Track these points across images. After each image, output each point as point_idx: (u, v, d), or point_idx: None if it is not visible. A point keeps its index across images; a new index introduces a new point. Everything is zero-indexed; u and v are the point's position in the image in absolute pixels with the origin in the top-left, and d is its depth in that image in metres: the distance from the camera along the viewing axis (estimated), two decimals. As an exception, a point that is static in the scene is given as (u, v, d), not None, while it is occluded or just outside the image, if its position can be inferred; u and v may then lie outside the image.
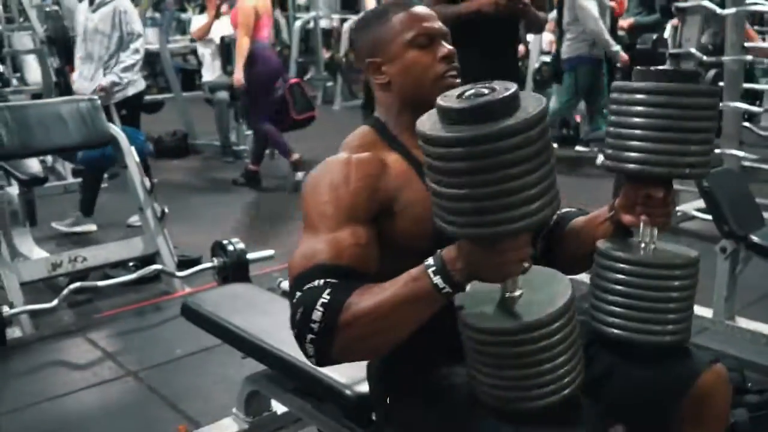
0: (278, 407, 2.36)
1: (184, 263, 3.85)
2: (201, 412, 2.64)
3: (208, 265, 3.70)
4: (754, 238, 2.70)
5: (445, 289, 1.23)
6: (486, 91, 1.18)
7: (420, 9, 1.51)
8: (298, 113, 5.71)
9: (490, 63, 2.92)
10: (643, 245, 1.49)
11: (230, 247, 3.65)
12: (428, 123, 1.22)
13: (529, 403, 1.28)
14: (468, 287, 1.29)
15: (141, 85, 5.03)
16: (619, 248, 1.50)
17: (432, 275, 1.23)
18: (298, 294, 1.29)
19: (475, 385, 1.34)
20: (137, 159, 3.86)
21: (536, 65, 7.71)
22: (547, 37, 7.68)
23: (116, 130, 3.86)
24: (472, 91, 1.20)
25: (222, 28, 6.71)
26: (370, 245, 1.36)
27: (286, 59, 10.33)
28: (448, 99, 1.20)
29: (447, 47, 1.48)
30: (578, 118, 7.13)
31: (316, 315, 1.25)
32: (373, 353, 1.40)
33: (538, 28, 3.57)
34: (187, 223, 4.72)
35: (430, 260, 1.25)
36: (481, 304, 1.32)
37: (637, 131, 1.40)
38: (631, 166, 1.42)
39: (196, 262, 3.92)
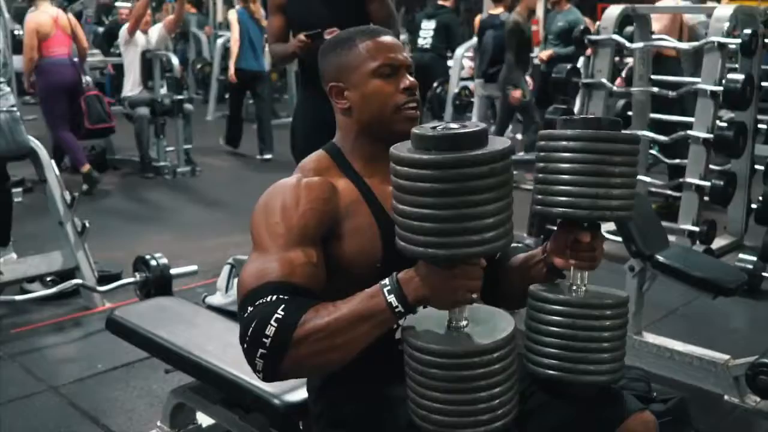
0: (204, 420, 2.37)
1: (104, 278, 3.81)
2: (124, 427, 2.63)
3: (131, 279, 3.67)
4: (660, 258, 2.86)
5: (398, 309, 1.29)
6: (457, 126, 1.29)
7: (386, 38, 1.54)
8: (92, 123, 5.97)
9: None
10: (574, 287, 1.54)
11: (153, 262, 3.63)
12: (402, 148, 1.31)
13: (463, 430, 1.32)
14: (416, 314, 1.37)
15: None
16: (550, 290, 1.54)
17: (387, 294, 1.30)
18: (250, 309, 1.32)
19: (412, 408, 1.36)
20: (57, 172, 3.80)
21: (456, 90, 7.92)
22: (467, 63, 7.92)
23: (36, 142, 3.79)
24: (443, 125, 1.29)
25: (143, 43, 6.66)
26: (320, 266, 1.40)
27: (207, 76, 10.29)
28: (423, 129, 1.29)
29: (409, 79, 1.51)
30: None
31: (269, 330, 1.27)
32: (321, 370, 1.40)
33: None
34: (107, 238, 4.65)
35: (386, 280, 1.31)
36: (428, 330, 1.37)
37: (561, 176, 1.44)
38: (556, 209, 1.45)
39: (117, 277, 3.88)
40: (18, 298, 3.50)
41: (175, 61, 6.80)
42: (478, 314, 1.41)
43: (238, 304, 1.38)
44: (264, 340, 1.28)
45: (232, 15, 7.59)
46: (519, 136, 8.51)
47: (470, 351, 1.31)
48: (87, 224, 3.77)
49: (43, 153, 3.78)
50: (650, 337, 3.09)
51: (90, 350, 3.24)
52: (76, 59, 6.10)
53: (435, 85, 8.63)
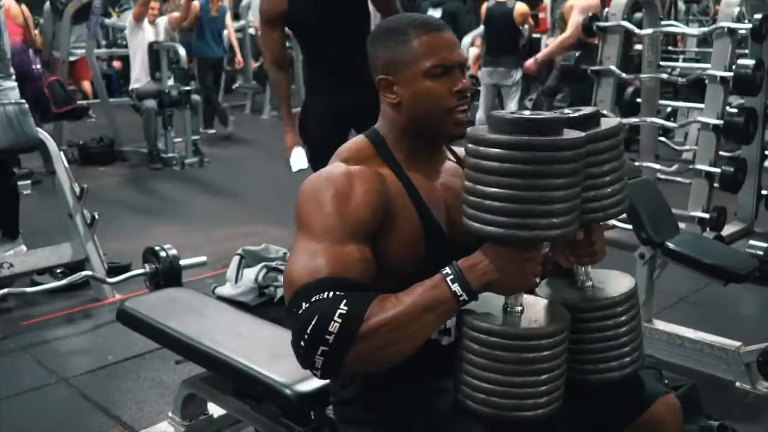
0: (215, 410, 2.38)
1: (113, 270, 3.82)
2: (135, 417, 2.64)
3: (140, 271, 3.67)
4: (670, 245, 2.85)
5: (462, 297, 1.29)
6: (532, 113, 1.32)
7: (441, 34, 1.46)
8: (58, 107, 5.97)
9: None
10: (579, 284, 1.52)
11: (162, 253, 3.63)
12: (483, 131, 1.31)
13: (522, 412, 1.34)
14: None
15: None
16: (559, 290, 1.53)
17: (450, 283, 1.29)
18: (305, 305, 1.27)
19: (468, 392, 1.36)
20: (66, 164, 3.81)
21: (463, 79, 7.88)
22: (473, 51, 7.89)
23: (44, 134, 3.80)
24: (525, 112, 1.35)
25: (150, 34, 6.66)
26: (372, 261, 1.36)
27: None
28: (503, 113, 1.32)
29: (462, 81, 1.46)
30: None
31: (333, 327, 1.24)
32: (383, 364, 1.33)
33: None
34: (116, 230, 4.66)
35: (447, 269, 1.30)
36: (488, 313, 1.38)
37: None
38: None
39: (126, 268, 3.89)
40: (28, 290, 3.52)
41: (182, 52, 6.79)
42: (529, 300, 1.42)
43: (287, 298, 1.33)
44: (327, 337, 1.24)
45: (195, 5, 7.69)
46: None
47: (536, 333, 1.33)
48: (96, 216, 3.78)
49: (51, 145, 3.79)
50: (661, 325, 3.08)
51: (100, 342, 3.25)
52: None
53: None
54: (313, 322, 1.25)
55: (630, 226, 2.99)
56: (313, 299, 1.27)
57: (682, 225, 3.50)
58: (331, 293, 1.27)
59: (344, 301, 1.26)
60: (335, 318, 1.24)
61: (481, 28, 7.37)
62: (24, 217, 4.95)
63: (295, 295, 1.30)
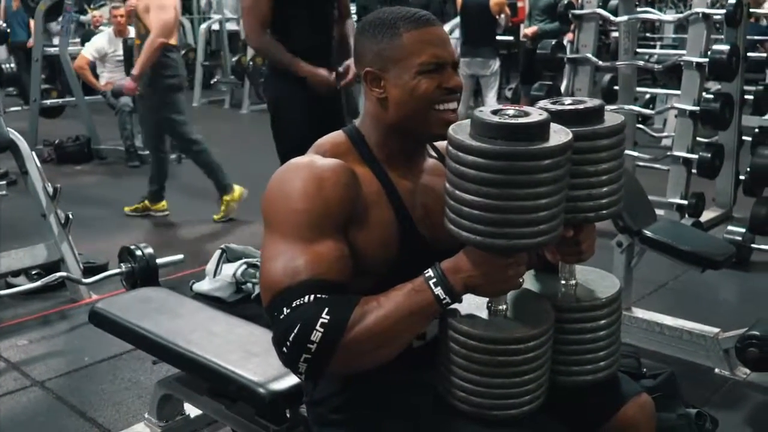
0: (191, 410, 2.35)
1: (90, 270, 3.77)
2: (112, 419, 2.61)
3: (116, 270, 3.62)
4: (647, 233, 2.84)
5: (445, 300, 1.27)
6: (517, 112, 1.25)
7: (433, 29, 1.41)
8: None
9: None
10: (563, 282, 1.50)
11: (138, 252, 3.58)
12: (463, 133, 1.26)
13: (505, 411, 1.33)
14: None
15: None
16: (543, 286, 1.52)
17: (433, 287, 1.27)
18: (287, 311, 1.25)
19: (449, 389, 1.35)
20: (38, 164, 3.75)
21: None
22: (452, 41, 7.86)
23: (16, 135, 3.74)
24: (503, 110, 1.26)
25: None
26: (349, 257, 1.33)
27: (191, 62, 10.19)
28: (487, 115, 1.24)
29: (454, 78, 1.41)
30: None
31: (315, 336, 1.22)
32: (369, 366, 1.31)
33: None
34: (94, 229, 4.61)
35: (430, 272, 1.28)
36: (471, 314, 1.36)
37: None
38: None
39: (103, 268, 3.84)
40: (2, 292, 3.46)
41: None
42: (515, 298, 1.42)
43: (266, 300, 1.30)
44: (309, 345, 1.23)
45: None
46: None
47: (517, 338, 1.32)
48: (71, 216, 3.73)
49: (23, 145, 3.73)
50: (640, 312, 3.08)
51: (77, 343, 3.21)
52: None
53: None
54: (295, 331, 1.23)
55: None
56: (294, 304, 1.25)
57: (661, 212, 3.51)
58: (312, 297, 1.25)
59: (326, 309, 1.23)
60: (317, 327, 1.22)
61: (457, 19, 7.35)
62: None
63: (275, 298, 1.27)
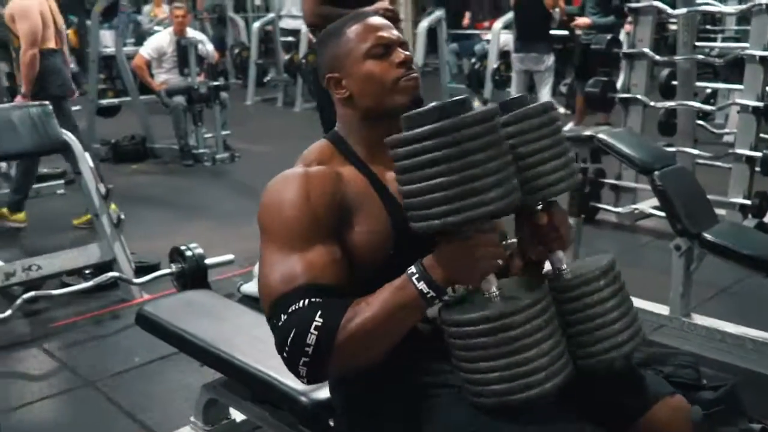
0: (237, 415, 2.34)
1: (142, 270, 3.80)
2: (159, 421, 2.61)
3: (166, 271, 3.65)
4: (707, 236, 2.73)
5: (429, 294, 1.29)
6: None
7: (374, 19, 1.50)
8: None
9: None
10: (556, 272, 1.47)
11: (188, 253, 3.61)
12: (396, 134, 1.31)
13: (523, 393, 1.29)
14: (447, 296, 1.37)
15: None
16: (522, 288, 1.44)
17: (416, 282, 1.29)
18: (284, 317, 1.30)
19: (468, 387, 1.34)
20: (91, 164, 3.80)
21: (495, 65, 7.77)
22: (505, 36, 7.75)
23: (69, 136, 3.79)
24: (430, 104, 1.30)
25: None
26: (342, 259, 1.38)
27: (245, 61, 10.27)
28: (410, 112, 1.30)
29: (403, 53, 1.47)
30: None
31: (311, 339, 1.27)
32: (366, 365, 1.36)
33: None
34: (147, 228, 4.66)
35: (413, 269, 1.30)
36: (462, 305, 1.38)
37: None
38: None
39: (155, 268, 3.87)
40: (54, 292, 3.51)
41: (210, 47, 6.78)
42: (511, 285, 1.41)
43: (265, 310, 1.35)
44: (306, 349, 1.28)
45: None
46: (562, 110, 8.35)
47: (503, 312, 1.30)
48: (122, 216, 3.77)
49: (76, 146, 3.77)
50: (699, 319, 2.96)
51: (127, 343, 3.23)
52: None
53: (473, 61, 8.51)
54: (291, 336, 1.28)
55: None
56: (291, 309, 1.30)
57: (722, 212, 3.38)
58: (307, 301, 1.29)
59: (319, 312, 1.28)
60: (311, 330, 1.27)
61: (511, 13, 7.24)
62: (56, 216, 5.00)
63: (274, 305, 1.33)
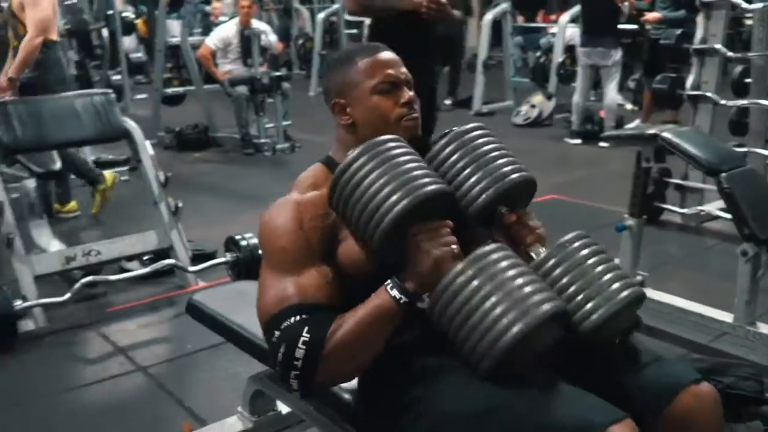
0: (283, 407, 2.33)
1: (198, 257, 3.84)
2: (207, 409, 2.62)
3: (221, 260, 3.68)
4: (776, 242, 2.61)
5: (402, 300, 1.38)
6: None
7: (385, 55, 1.60)
8: None
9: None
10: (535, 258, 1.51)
11: (243, 242, 3.63)
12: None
13: (516, 327, 1.31)
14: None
15: None
16: None
17: (390, 290, 1.38)
18: (277, 334, 1.41)
19: (469, 361, 1.37)
20: (151, 152, 3.85)
21: (560, 59, 7.62)
22: (571, 30, 7.58)
23: (131, 123, 3.84)
24: None
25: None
26: (334, 278, 1.47)
27: (308, 52, 10.32)
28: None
29: (408, 94, 1.57)
30: (602, 113, 7.02)
31: (299, 353, 1.37)
32: (354, 373, 1.47)
33: (457, 27, 3.69)
34: (206, 215, 4.71)
35: (389, 280, 1.39)
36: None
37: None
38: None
39: (211, 256, 3.90)
40: (111, 277, 3.57)
41: (272, 38, 6.81)
42: None
43: (262, 328, 1.47)
44: (295, 362, 1.38)
45: None
46: (629, 106, 8.15)
47: (462, 268, 1.37)
48: (180, 204, 3.81)
49: (138, 134, 3.83)
50: (765, 328, 2.83)
51: (181, 330, 3.26)
52: None
53: (538, 54, 8.36)
54: (281, 351, 1.39)
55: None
56: (283, 326, 1.40)
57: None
58: (297, 318, 1.39)
59: (306, 327, 1.38)
60: (299, 345, 1.37)
61: (578, 7, 7.08)
62: (120, 203, 5.09)
63: (268, 324, 1.44)
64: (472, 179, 1.51)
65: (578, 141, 7.04)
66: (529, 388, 1.35)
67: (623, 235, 3.15)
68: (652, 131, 2.95)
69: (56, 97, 3.81)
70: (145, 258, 3.82)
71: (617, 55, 6.63)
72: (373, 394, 1.56)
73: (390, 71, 1.57)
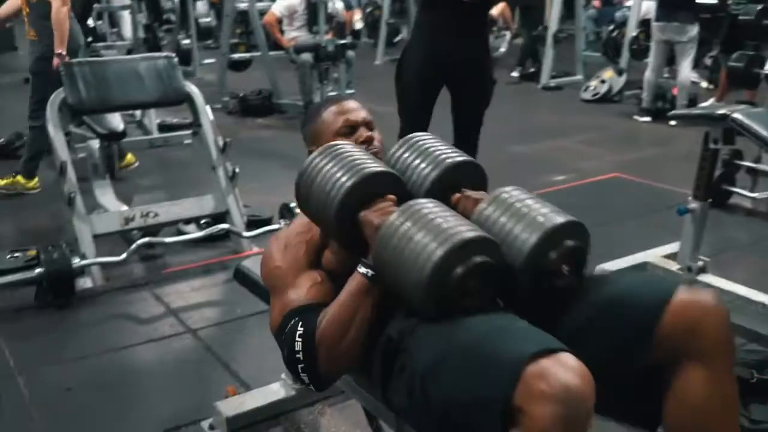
0: (326, 376, 2.33)
1: (254, 223, 3.86)
2: (252, 374, 2.64)
3: (275, 226, 3.69)
4: None
5: (369, 273, 1.51)
6: None
7: (345, 103, 1.85)
8: None
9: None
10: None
11: (297, 210, 3.62)
12: None
13: (437, 252, 1.39)
14: None
15: None
16: None
17: (359, 269, 1.54)
18: (282, 338, 1.58)
19: (411, 292, 1.45)
20: (211, 117, 3.87)
21: (633, 34, 7.38)
22: (648, 3, 7.31)
23: (193, 88, 3.87)
24: None
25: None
26: (324, 281, 1.64)
27: (377, 20, 10.24)
28: None
29: (365, 133, 1.79)
30: (675, 91, 6.78)
31: (298, 346, 1.52)
32: (350, 352, 1.55)
33: None
34: (264, 181, 4.74)
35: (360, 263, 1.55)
36: None
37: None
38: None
39: (267, 222, 3.92)
40: (167, 240, 3.63)
41: (339, 5, 6.77)
42: None
43: (275, 338, 1.66)
44: (297, 356, 1.53)
45: None
46: (704, 84, 7.86)
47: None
48: (237, 170, 3.83)
49: (198, 98, 3.86)
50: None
51: (232, 294, 3.29)
52: None
53: (611, 28, 8.11)
54: (286, 350, 1.56)
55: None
56: (286, 330, 1.57)
57: None
58: (295, 319, 1.56)
59: (300, 323, 1.55)
60: (297, 339, 1.53)
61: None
62: (182, 166, 5.18)
63: (276, 335, 1.63)
64: (420, 167, 1.68)
65: (648, 119, 6.83)
66: (481, 324, 1.36)
67: (685, 219, 3.04)
68: (721, 111, 2.82)
69: (121, 60, 3.88)
70: (202, 221, 3.87)
71: (693, 30, 6.37)
72: (374, 364, 1.61)
73: (348, 116, 1.81)
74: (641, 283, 1.53)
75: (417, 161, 1.70)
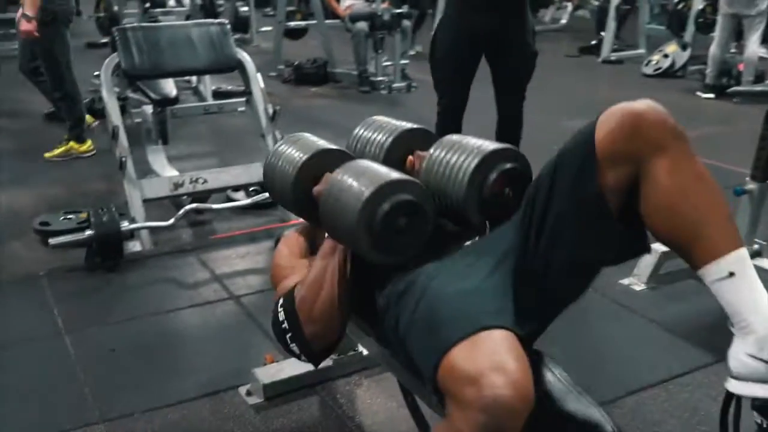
0: (364, 350, 2.33)
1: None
2: (291, 344, 2.65)
3: (322, 196, 3.68)
4: None
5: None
6: None
7: None
8: None
9: None
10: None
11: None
12: None
13: (365, 192, 1.52)
14: None
15: None
16: None
17: (326, 236, 1.69)
18: (272, 323, 1.70)
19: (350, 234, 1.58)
20: (262, 85, 3.87)
21: (700, 7, 7.13)
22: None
23: (244, 55, 3.87)
24: None
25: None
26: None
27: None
28: None
29: None
30: (741, 67, 6.54)
31: (281, 315, 1.65)
32: (328, 309, 1.61)
33: None
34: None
35: None
36: None
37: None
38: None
39: (314, 191, 3.91)
40: (215, 206, 3.66)
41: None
42: None
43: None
44: (284, 326, 1.65)
45: None
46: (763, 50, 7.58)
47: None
48: (282, 137, 3.82)
49: (250, 66, 3.86)
50: None
51: (276, 263, 3.31)
52: None
53: (676, 1, 7.85)
54: (273, 326, 1.69)
55: None
56: (275, 311, 1.71)
57: None
58: (281, 298, 1.71)
59: (281, 298, 1.70)
60: (279, 311, 1.67)
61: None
62: (235, 134, 5.21)
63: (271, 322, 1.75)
64: (377, 140, 1.87)
65: (711, 95, 6.61)
66: (444, 287, 1.42)
67: (742, 200, 2.93)
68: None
69: (173, 26, 3.89)
70: (251, 189, 3.89)
71: (763, 4, 6.12)
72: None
73: None
74: (568, 143, 1.43)
75: (374, 135, 1.89)
